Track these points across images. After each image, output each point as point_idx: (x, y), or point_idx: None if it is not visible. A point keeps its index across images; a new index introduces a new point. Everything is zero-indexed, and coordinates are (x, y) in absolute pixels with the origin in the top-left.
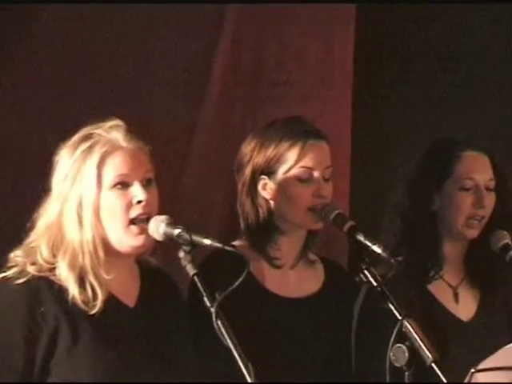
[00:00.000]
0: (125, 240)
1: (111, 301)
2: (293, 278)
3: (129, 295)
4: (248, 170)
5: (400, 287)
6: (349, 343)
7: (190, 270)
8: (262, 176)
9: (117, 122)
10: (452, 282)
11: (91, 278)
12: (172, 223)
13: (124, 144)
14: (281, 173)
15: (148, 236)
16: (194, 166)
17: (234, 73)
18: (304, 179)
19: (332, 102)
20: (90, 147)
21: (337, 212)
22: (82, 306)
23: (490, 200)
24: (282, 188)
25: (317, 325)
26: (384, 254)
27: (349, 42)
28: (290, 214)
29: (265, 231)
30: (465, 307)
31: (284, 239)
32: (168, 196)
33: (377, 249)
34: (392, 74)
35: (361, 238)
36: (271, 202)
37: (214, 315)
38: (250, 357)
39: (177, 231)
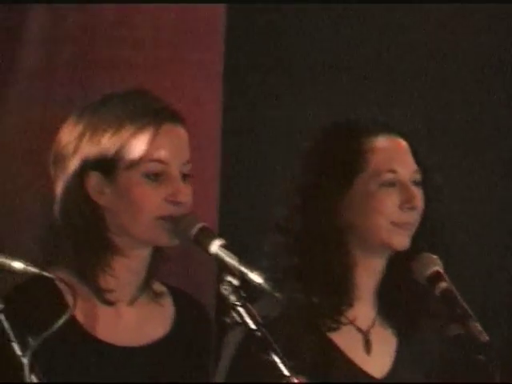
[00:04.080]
0: None
1: None
2: (131, 319)
3: None
4: (73, 164)
5: (290, 332)
6: None
7: None
8: (94, 172)
9: None
10: (363, 324)
11: None
12: None
13: None
14: (122, 168)
15: None
16: None
17: (55, 28)
18: (155, 177)
19: (196, 71)
20: None
21: (200, 226)
22: None
23: (420, 200)
24: (123, 189)
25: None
26: (266, 286)
27: None
28: (132, 224)
29: (94, 250)
30: (379, 359)
31: (121, 262)
32: None
33: (256, 278)
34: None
35: (234, 262)
36: (104, 209)
37: (26, 368)
38: None
39: None
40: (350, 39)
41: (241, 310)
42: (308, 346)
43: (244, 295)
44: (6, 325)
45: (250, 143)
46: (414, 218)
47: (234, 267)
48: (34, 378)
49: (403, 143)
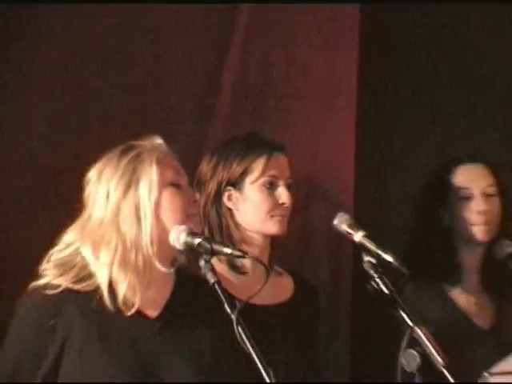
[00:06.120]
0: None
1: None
2: (275, 287)
3: (154, 305)
4: (213, 184)
5: (418, 293)
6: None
7: (211, 278)
8: (228, 187)
9: (155, 137)
10: (471, 290)
11: (134, 278)
12: (193, 233)
13: (166, 150)
14: (247, 183)
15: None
16: None
17: (244, 85)
18: (270, 186)
19: (336, 116)
20: (138, 154)
21: (349, 222)
22: (110, 311)
23: (491, 205)
24: (248, 196)
25: (285, 333)
26: (396, 263)
27: (352, 60)
28: (254, 220)
29: (231, 241)
30: (485, 316)
31: (253, 250)
32: None
33: (389, 257)
34: (398, 90)
35: (372, 246)
36: (235, 213)
37: (234, 322)
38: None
39: (197, 240)
40: None
41: (378, 280)
42: (431, 301)
43: (380, 270)
44: (220, 292)
45: (378, 165)
46: (486, 217)
47: (373, 250)
48: (240, 329)
49: (480, 168)
